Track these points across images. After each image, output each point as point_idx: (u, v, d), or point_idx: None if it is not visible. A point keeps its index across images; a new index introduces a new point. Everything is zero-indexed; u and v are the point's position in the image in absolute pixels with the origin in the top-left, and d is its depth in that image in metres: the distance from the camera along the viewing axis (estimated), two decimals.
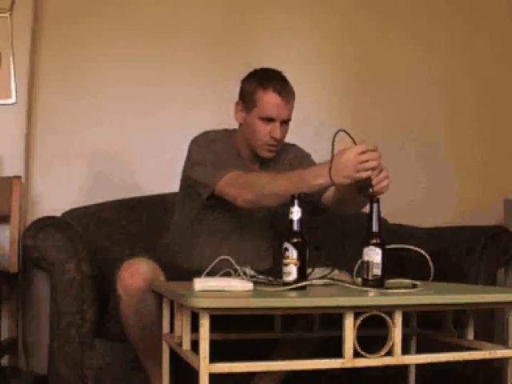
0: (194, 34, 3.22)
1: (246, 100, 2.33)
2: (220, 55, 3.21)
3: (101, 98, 3.14)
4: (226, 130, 2.45)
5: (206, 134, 2.39)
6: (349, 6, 3.38)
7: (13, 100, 2.96)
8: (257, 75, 2.34)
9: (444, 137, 3.46)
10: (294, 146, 2.52)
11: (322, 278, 1.94)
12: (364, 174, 1.94)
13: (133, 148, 3.16)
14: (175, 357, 1.97)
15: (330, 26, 3.36)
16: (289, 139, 2.45)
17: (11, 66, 2.95)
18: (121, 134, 3.15)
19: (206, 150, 2.32)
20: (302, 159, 2.47)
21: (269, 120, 2.29)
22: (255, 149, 2.35)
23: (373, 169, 1.95)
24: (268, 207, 2.26)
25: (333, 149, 1.98)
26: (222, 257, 2.06)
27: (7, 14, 2.93)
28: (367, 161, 1.94)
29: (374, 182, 1.97)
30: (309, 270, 1.89)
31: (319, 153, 3.27)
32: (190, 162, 2.35)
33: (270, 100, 2.27)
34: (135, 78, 3.17)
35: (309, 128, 3.31)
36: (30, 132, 3.04)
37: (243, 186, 2.17)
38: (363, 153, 1.94)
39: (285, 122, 2.32)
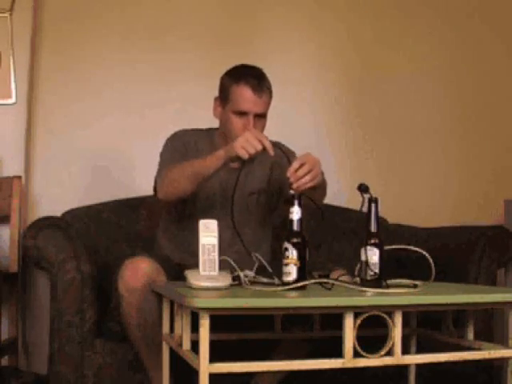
0: (193, 34, 3.22)
1: (222, 95, 2.33)
2: (220, 55, 3.20)
3: (101, 98, 3.14)
4: (203, 129, 2.44)
5: (176, 132, 2.43)
6: (350, 9, 3.38)
7: (13, 100, 2.96)
8: (233, 70, 2.34)
9: (444, 137, 3.46)
10: (277, 143, 2.40)
11: (321, 278, 1.94)
12: (242, 152, 2.03)
13: (133, 148, 3.16)
14: (175, 357, 1.97)
15: (331, 27, 3.35)
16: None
17: (11, 66, 2.95)
18: (121, 134, 3.15)
19: (167, 147, 2.37)
20: (282, 158, 2.33)
21: (242, 114, 2.27)
22: None
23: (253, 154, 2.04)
24: (181, 194, 2.23)
25: None
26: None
27: (7, 14, 2.93)
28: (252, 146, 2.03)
29: (292, 179, 2.01)
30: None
31: (319, 153, 3.32)
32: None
33: (242, 93, 2.26)
34: (135, 77, 3.17)
35: (310, 129, 3.32)
36: (29, 132, 3.03)
37: (163, 180, 2.25)
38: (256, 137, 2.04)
39: (260, 117, 2.29)
